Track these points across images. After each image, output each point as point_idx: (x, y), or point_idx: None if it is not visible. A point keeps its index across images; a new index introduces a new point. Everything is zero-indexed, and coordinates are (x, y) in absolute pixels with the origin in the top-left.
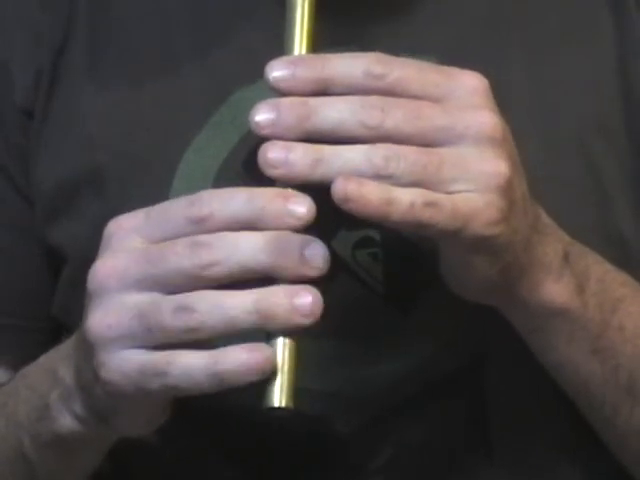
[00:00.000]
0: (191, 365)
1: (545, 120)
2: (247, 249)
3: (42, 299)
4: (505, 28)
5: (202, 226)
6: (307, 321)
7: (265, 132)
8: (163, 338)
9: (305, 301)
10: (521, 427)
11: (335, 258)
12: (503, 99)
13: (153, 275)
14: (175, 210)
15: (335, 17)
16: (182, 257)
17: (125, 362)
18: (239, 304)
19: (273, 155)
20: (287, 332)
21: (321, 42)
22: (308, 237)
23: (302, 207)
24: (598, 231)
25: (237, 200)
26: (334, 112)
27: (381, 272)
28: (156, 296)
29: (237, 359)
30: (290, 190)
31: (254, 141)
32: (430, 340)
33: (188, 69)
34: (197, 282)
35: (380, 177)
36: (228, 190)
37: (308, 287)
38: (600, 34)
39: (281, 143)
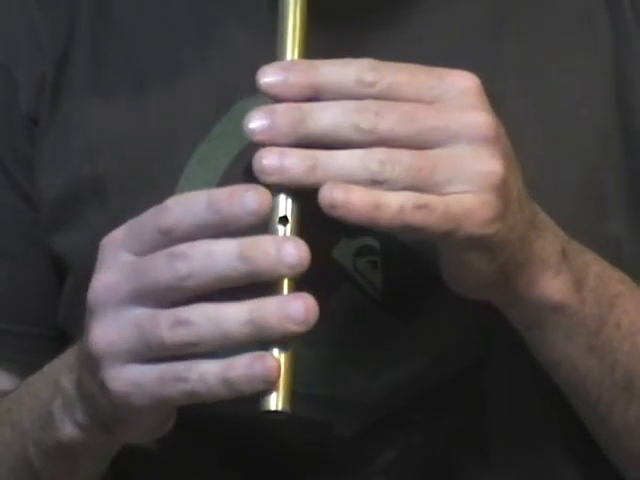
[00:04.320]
0: (207, 372)
1: (542, 126)
2: (222, 258)
3: (48, 306)
4: (500, 34)
5: (172, 236)
6: (301, 329)
7: (260, 138)
8: (162, 352)
9: (298, 309)
10: (520, 430)
11: (335, 266)
12: (498, 106)
13: (141, 289)
14: (147, 221)
15: (328, 26)
16: (162, 270)
17: (137, 374)
18: (234, 316)
19: (267, 162)
20: (284, 341)
21: (314, 51)
22: (283, 237)
23: (253, 200)
24: (594, 236)
25: (197, 206)
26: (328, 116)
27: (381, 280)
28: (152, 311)
29: (244, 367)
30: (245, 185)
31: (254, 152)
32: (429, 346)
33: (191, 80)
34: (180, 293)
35: (375, 182)
36: (188, 196)
37: (302, 295)
38: (596, 38)
39: (276, 149)
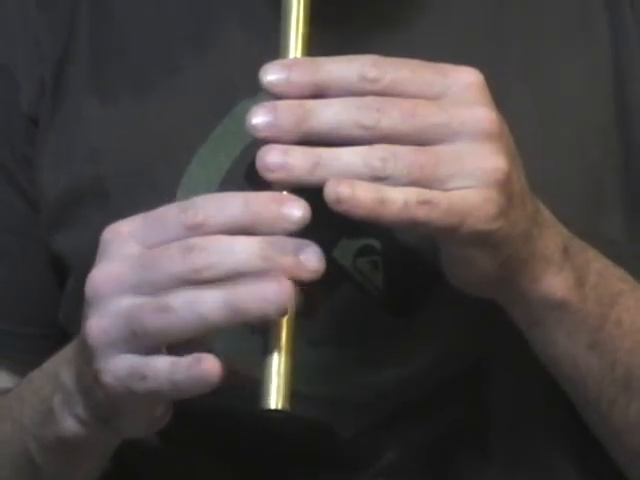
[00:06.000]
0: (159, 370)
1: (544, 123)
2: (242, 253)
3: (48, 305)
4: (502, 33)
5: (197, 232)
6: (277, 311)
7: (262, 135)
8: (149, 340)
9: (272, 291)
10: (520, 429)
11: (336, 266)
12: (501, 103)
13: (148, 280)
14: (171, 216)
15: (332, 27)
16: (176, 261)
17: (116, 366)
18: (210, 300)
19: (271, 159)
20: (266, 327)
21: (317, 51)
22: (303, 240)
23: (297, 211)
24: (593, 234)
25: (232, 206)
26: (330, 114)
27: (382, 280)
28: (140, 299)
29: (186, 368)
30: (285, 193)
31: (256, 151)
32: (430, 346)
33: (191, 80)
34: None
35: (378, 179)
36: (223, 195)
37: (277, 278)
38: (596, 36)
39: (279, 147)
